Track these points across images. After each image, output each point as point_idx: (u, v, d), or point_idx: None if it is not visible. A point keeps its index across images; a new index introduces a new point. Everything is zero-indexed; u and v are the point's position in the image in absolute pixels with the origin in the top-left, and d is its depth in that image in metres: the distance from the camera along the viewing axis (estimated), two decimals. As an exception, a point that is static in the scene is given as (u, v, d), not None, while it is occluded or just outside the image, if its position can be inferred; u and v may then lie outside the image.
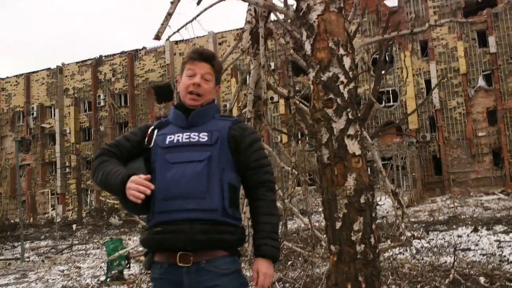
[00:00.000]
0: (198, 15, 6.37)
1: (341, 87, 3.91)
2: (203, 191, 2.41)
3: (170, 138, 2.54)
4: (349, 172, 3.84)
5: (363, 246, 3.81)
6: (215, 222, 2.41)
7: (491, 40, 36.23)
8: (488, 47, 36.43)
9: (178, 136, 2.53)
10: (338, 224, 3.85)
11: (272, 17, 6.36)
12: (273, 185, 2.66)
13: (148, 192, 2.31)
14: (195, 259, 2.39)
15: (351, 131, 3.88)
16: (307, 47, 4.08)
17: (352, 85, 3.96)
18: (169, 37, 6.56)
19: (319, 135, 3.97)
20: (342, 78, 3.93)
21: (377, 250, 3.96)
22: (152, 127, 2.66)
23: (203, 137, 2.51)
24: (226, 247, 2.47)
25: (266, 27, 5.95)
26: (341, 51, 3.97)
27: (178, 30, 6.45)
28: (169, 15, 5.10)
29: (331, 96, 3.91)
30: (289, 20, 5.82)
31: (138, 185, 2.30)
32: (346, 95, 3.91)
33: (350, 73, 3.97)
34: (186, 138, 2.52)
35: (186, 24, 6.35)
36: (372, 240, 3.87)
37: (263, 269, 2.45)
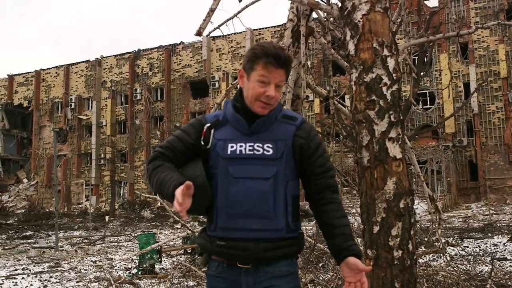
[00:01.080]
0: (239, 12, 6.34)
1: (384, 88, 3.85)
2: (269, 212, 2.34)
3: (232, 147, 2.38)
4: (389, 176, 3.77)
5: (400, 252, 3.74)
6: (280, 239, 2.38)
7: (534, 44, 35.32)
8: (531, 51, 35.53)
9: (241, 147, 2.37)
10: (376, 229, 3.79)
11: (314, 15, 6.29)
12: (337, 188, 2.57)
13: (184, 215, 2.18)
14: (254, 264, 2.38)
15: (392, 134, 3.81)
16: (351, 47, 4.02)
17: (395, 87, 3.89)
18: (210, 33, 6.55)
19: (360, 137, 3.90)
20: (385, 79, 3.86)
21: (415, 257, 3.89)
22: (208, 124, 2.46)
23: (268, 149, 2.37)
24: (288, 257, 2.46)
25: (308, 26, 5.88)
26: (386, 52, 3.90)
27: (219, 26, 6.42)
28: (212, 11, 5.10)
29: (374, 97, 3.85)
30: (331, 19, 5.76)
31: (176, 203, 2.17)
32: (389, 97, 3.84)
33: (394, 75, 3.90)
34: (250, 150, 2.37)
35: (227, 20, 6.32)
36: (410, 246, 3.80)
37: (361, 264, 2.36)
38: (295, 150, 2.41)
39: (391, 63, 3.91)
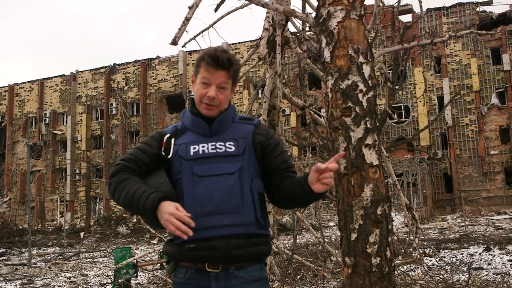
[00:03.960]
0: (215, 23, 6.34)
1: (360, 95, 3.84)
2: (238, 205, 2.34)
3: (194, 148, 2.40)
4: (366, 183, 3.75)
5: (378, 259, 3.72)
6: (250, 235, 2.37)
7: (505, 57, 36.05)
8: (502, 65, 36.24)
9: (203, 147, 2.40)
10: (354, 236, 3.76)
11: (289, 26, 6.31)
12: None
13: (191, 233, 2.16)
14: (224, 265, 2.33)
15: (369, 140, 3.80)
16: (326, 54, 4.01)
17: (371, 93, 3.89)
18: (185, 44, 6.54)
19: (336, 144, 3.89)
20: (361, 86, 3.86)
21: (393, 264, 3.87)
22: (168, 135, 2.48)
23: (230, 146, 2.41)
24: (259, 258, 2.44)
25: (283, 36, 5.89)
26: (361, 59, 3.90)
27: (195, 37, 6.42)
28: (187, 20, 5.07)
29: (350, 104, 3.84)
30: (307, 28, 5.78)
31: (180, 225, 2.15)
32: (365, 103, 3.84)
33: (370, 81, 3.90)
34: (212, 149, 2.40)
35: (203, 31, 6.32)
36: (388, 253, 3.78)
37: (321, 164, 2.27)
38: (256, 147, 2.46)
39: (366, 70, 3.91)
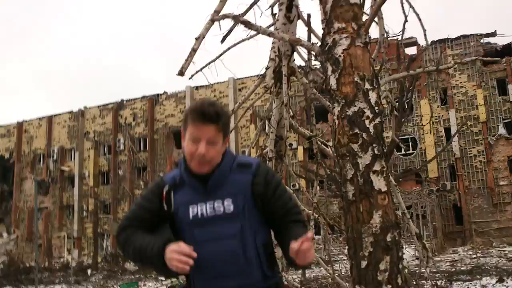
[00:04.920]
0: (221, 54, 6.40)
1: (366, 122, 3.86)
2: (242, 269, 2.31)
3: (193, 211, 2.34)
4: (375, 209, 3.73)
5: (390, 286, 3.67)
6: None
7: (511, 88, 36.08)
8: (508, 95, 36.25)
9: (201, 208, 2.33)
10: (364, 263, 3.72)
11: (295, 57, 6.36)
12: (304, 222, 2.51)
13: (191, 262, 2.16)
14: None
15: (377, 166, 3.79)
16: (332, 81, 4.04)
17: (377, 120, 3.90)
18: (192, 76, 6.58)
19: (344, 171, 3.88)
20: (367, 113, 3.87)
21: (405, 292, 3.81)
22: (166, 188, 2.41)
23: (228, 206, 2.32)
24: None
25: (289, 66, 5.94)
26: (367, 86, 3.93)
27: (201, 69, 6.48)
28: (194, 51, 5.12)
29: (357, 131, 3.85)
30: (313, 58, 5.82)
31: (180, 256, 2.15)
32: (371, 130, 3.85)
33: (376, 108, 3.91)
34: (210, 210, 2.33)
35: (210, 63, 6.38)
36: (399, 280, 3.73)
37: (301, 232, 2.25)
38: (256, 200, 2.37)
39: (372, 96, 3.94)
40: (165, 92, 48.67)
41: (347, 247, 3.90)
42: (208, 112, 2.29)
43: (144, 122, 48.44)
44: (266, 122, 7.65)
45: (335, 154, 4.29)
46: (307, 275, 13.89)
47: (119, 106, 50.23)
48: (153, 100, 48.49)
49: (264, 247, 2.37)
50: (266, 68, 5.90)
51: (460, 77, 37.62)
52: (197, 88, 46.23)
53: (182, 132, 2.39)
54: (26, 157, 53.60)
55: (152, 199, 2.42)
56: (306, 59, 6.09)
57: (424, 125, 33.66)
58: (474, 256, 23.33)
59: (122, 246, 2.43)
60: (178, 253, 2.16)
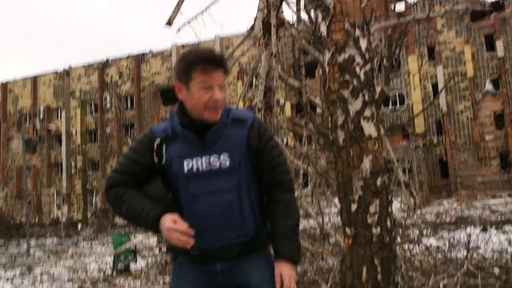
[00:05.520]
0: (209, 6, 6.33)
1: (357, 68, 3.88)
2: (238, 220, 2.34)
3: (188, 165, 2.32)
4: (365, 154, 3.79)
5: (379, 229, 3.76)
6: (252, 239, 2.40)
7: (499, 44, 36.10)
8: (496, 51, 36.30)
9: (197, 162, 2.31)
10: (354, 207, 3.80)
11: (284, 8, 6.32)
12: (290, 185, 2.49)
13: (192, 242, 2.21)
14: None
15: (367, 112, 3.84)
16: (323, 28, 4.04)
17: (368, 66, 3.92)
18: (180, 28, 6.52)
19: (335, 117, 3.92)
20: (358, 59, 3.89)
21: (393, 234, 3.92)
22: (158, 141, 2.37)
23: (225, 161, 2.32)
24: (260, 248, 2.49)
25: (278, 17, 5.91)
26: (357, 33, 3.93)
27: (189, 21, 6.42)
28: (181, 1, 5.08)
29: (347, 77, 3.87)
30: (302, 7, 5.79)
31: (181, 236, 2.19)
32: (362, 76, 3.87)
33: (366, 54, 3.93)
34: (206, 165, 2.32)
35: (197, 15, 6.31)
36: (388, 223, 3.82)
37: (287, 271, 2.35)
38: (252, 154, 2.38)
39: (363, 43, 3.95)
40: (150, 51, 48.12)
41: (337, 192, 3.98)
42: (216, 58, 2.31)
43: (130, 81, 48.04)
44: (254, 76, 7.65)
45: (325, 102, 4.32)
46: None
47: (105, 65, 49.66)
48: (139, 59, 47.98)
49: (257, 199, 2.41)
50: (255, 19, 5.87)
51: (448, 33, 37.54)
52: (183, 46, 45.73)
53: (179, 85, 2.35)
54: (12, 117, 53.14)
55: (143, 152, 2.38)
56: (295, 9, 6.06)
57: (413, 76, 33.60)
58: (459, 208, 23.77)
59: (112, 202, 2.40)
60: (176, 232, 2.18)
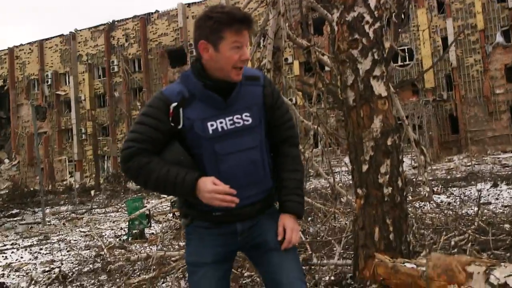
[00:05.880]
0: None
1: (366, 27, 3.82)
2: (261, 176, 2.39)
3: (213, 126, 2.30)
4: (376, 114, 3.77)
5: (390, 188, 3.77)
6: (269, 194, 2.46)
7: (510, -6, 35.35)
8: (507, 2, 35.52)
9: (221, 123, 2.31)
10: (365, 167, 3.80)
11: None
12: (296, 140, 2.57)
13: (237, 200, 2.24)
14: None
15: (377, 72, 3.79)
16: (331, -14, 3.97)
17: (377, 24, 3.85)
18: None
19: (344, 77, 3.89)
20: (367, 17, 3.82)
21: (405, 193, 3.92)
22: (175, 104, 2.30)
23: (247, 118, 2.34)
24: (273, 204, 2.55)
25: (285, -25, 5.80)
26: (366, -10, 3.85)
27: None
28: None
29: (356, 36, 3.82)
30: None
31: (224, 197, 2.21)
32: (371, 35, 3.81)
33: (376, 12, 3.86)
34: (230, 124, 2.32)
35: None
36: (400, 183, 3.82)
37: (290, 224, 2.42)
38: (267, 111, 2.42)
39: (372, 1, 3.87)
40: (156, 11, 47.64)
41: (348, 152, 3.97)
42: (249, 18, 2.30)
43: (137, 43, 47.75)
44: (261, 36, 7.55)
45: (334, 62, 4.26)
46: (307, 187, 14.18)
47: (111, 27, 49.31)
48: (145, 20, 47.55)
49: (270, 154, 2.47)
50: (262, -23, 5.76)
51: (458, -15, 36.77)
52: (189, 5, 45.21)
53: (206, 44, 2.28)
54: (20, 83, 53.24)
55: (161, 117, 2.30)
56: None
57: (423, 31, 33.08)
58: (470, 163, 23.76)
59: (135, 174, 2.32)
60: (218, 193, 2.20)
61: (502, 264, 2.99)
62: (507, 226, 5.86)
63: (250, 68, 2.61)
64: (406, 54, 37.48)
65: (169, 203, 12.74)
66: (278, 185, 2.48)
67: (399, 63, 37.53)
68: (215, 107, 2.32)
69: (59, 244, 10.94)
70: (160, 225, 11.74)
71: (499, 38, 35.78)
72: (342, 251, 5.18)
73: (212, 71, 2.32)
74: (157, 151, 2.31)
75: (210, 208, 2.28)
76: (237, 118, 2.33)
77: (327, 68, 8.11)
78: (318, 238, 6.14)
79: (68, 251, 9.71)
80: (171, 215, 12.32)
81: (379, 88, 3.79)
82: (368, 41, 3.80)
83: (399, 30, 19.11)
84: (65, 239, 11.79)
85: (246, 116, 2.34)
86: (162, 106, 2.31)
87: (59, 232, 13.61)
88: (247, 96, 2.37)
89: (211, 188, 2.20)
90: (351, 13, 3.84)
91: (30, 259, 9.48)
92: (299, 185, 2.50)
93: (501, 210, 8.49)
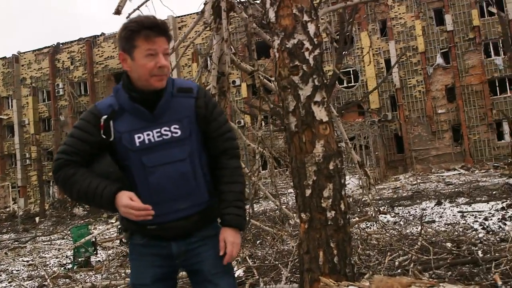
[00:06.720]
0: (157, -9, 6.22)
1: (306, 53, 3.88)
2: (193, 189, 2.37)
3: (140, 138, 2.30)
4: (317, 139, 3.82)
5: (333, 212, 3.81)
6: (206, 208, 2.43)
7: (448, 18, 36.81)
8: (445, 25, 37.02)
9: (148, 135, 2.31)
10: (308, 192, 3.83)
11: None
12: (236, 152, 2.55)
13: (152, 213, 2.22)
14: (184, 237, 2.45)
15: (317, 97, 3.86)
16: (271, 14, 4.02)
17: (317, 51, 3.93)
18: (130, 14, 6.38)
19: (286, 103, 3.93)
20: (307, 44, 3.89)
21: (348, 216, 3.97)
22: (105, 117, 2.32)
23: (176, 130, 2.33)
24: (213, 219, 2.53)
25: (228, 1, 5.86)
26: (305, 18, 3.93)
27: (139, 7, 6.30)
28: (128, -12, 4.97)
29: (297, 63, 3.87)
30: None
31: (138, 212, 2.20)
32: (311, 61, 3.88)
33: (315, 39, 3.94)
34: (158, 136, 2.31)
35: (147, 0, 6.19)
36: (342, 206, 3.87)
37: (230, 238, 2.42)
38: (200, 123, 2.40)
39: (311, 28, 3.95)
40: (102, 34, 47.13)
41: (291, 177, 4.01)
42: (159, 24, 2.29)
43: (83, 66, 47.01)
44: (208, 60, 7.59)
45: (277, 88, 4.32)
46: (255, 209, 14.20)
47: (55, 50, 48.40)
48: (91, 42, 46.95)
49: (208, 167, 2.45)
50: (205, 4, 5.80)
51: (398, 9, 38.07)
52: (136, 28, 44.91)
53: (124, 55, 2.32)
54: (-40, 107, 51.36)
55: (90, 130, 2.34)
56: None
57: (364, 55, 34.02)
58: (415, 182, 24.36)
59: (62, 185, 2.35)
60: (133, 209, 2.19)
61: (441, 284, 3.06)
62: (448, 244, 6.02)
63: (186, 80, 2.63)
64: (352, 75, 38.34)
65: (116, 229, 12.49)
66: (219, 198, 2.47)
67: (345, 84, 38.35)
68: (143, 119, 2.33)
69: (0, 275, 10.52)
70: (107, 252, 11.47)
71: (439, 60, 37.13)
72: (289, 274, 5.19)
73: (136, 82, 2.33)
74: (85, 162, 2.32)
75: (145, 221, 2.27)
76: (165, 130, 2.33)
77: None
78: (266, 262, 6.14)
79: (9, 282, 9.35)
80: (118, 241, 12.06)
81: (320, 113, 3.85)
82: (308, 67, 3.87)
83: (344, 52, 19.57)
84: (7, 269, 11.35)
85: (174, 128, 2.34)
86: (93, 119, 2.35)
87: (0, 262, 13.09)
88: (178, 108, 2.37)
89: (126, 203, 2.20)
90: (291, 40, 3.91)
91: (-32, 291, 9.08)
92: (238, 197, 2.48)
93: (443, 228, 8.72)
